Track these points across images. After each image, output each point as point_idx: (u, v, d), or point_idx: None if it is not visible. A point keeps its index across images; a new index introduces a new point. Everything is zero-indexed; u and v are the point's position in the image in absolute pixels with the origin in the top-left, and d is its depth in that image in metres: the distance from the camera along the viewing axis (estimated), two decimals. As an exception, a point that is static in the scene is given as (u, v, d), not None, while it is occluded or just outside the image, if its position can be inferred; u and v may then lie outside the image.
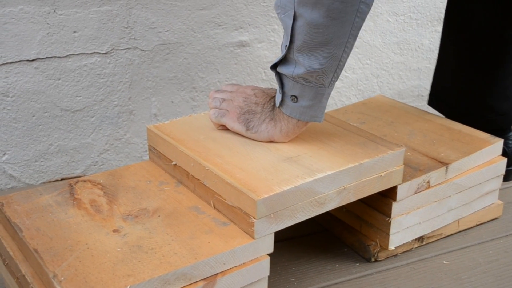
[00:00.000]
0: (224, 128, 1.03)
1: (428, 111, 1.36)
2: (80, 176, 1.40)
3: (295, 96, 0.94)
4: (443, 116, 1.40)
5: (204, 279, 0.80)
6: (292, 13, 0.88)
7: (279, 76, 0.96)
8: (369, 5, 0.88)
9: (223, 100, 1.03)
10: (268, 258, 0.86)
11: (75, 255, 0.80)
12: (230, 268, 0.82)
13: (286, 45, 0.91)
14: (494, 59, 1.31)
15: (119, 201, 0.93)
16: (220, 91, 1.06)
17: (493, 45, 1.30)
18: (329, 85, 0.93)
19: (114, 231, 0.85)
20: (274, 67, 0.96)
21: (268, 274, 0.87)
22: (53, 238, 0.83)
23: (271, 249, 0.86)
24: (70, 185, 0.98)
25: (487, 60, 1.32)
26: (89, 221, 0.88)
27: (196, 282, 0.79)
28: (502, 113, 1.35)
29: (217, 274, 0.81)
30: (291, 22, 0.89)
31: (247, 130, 1.00)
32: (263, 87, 1.07)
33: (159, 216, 0.89)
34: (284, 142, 0.99)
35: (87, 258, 0.79)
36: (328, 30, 0.87)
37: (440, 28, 1.76)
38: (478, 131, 1.20)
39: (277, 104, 0.97)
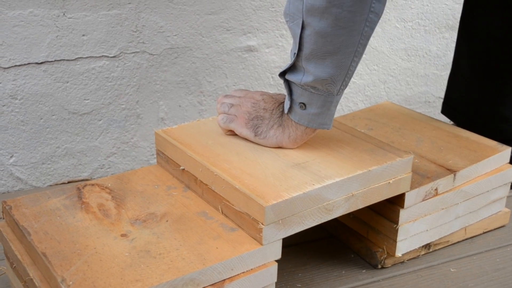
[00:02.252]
0: (232, 133, 1.03)
1: (436, 118, 1.35)
2: (87, 179, 1.41)
3: (304, 104, 0.94)
4: (451, 123, 1.40)
5: (212, 284, 0.80)
6: (301, 22, 0.88)
7: (288, 83, 0.96)
8: (378, 15, 0.87)
9: (232, 105, 1.03)
10: (276, 264, 0.86)
11: (83, 259, 0.80)
12: (238, 274, 0.82)
13: (295, 53, 0.91)
14: (508, 69, 1.31)
15: (127, 205, 0.93)
16: (228, 96, 1.06)
17: (508, 55, 1.30)
18: (337, 93, 0.93)
19: (122, 235, 0.85)
20: (282, 74, 0.96)
21: (275, 280, 0.87)
22: (61, 242, 0.83)
23: (279, 255, 0.86)
24: (78, 188, 0.98)
25: (501, 70, 1.32)
26: (97, 225, 0.88)
27: (204, 287, 0.79)
28: None
29: (225, 280, 0.81)
30: (300, 30, 0.89)
31: (255, 135, 1.00)
32: (271, 92, 1.07)
33: (167, 221, 0.89)
34: (292, 148, 0.99)
35: (95, 262, 0.79)
36: (337, 39, 0.87)
37: (447, 35, 1.76)
38: (486, 138, 1.20)
39: (286, 110, 0.97)
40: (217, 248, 0.83)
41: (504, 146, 1.17)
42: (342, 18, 0.85)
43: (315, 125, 0.96)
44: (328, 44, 0.87)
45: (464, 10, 1.37)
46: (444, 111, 1.47)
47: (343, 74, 0.91)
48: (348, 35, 0.87)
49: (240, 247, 0.83)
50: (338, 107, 1.68)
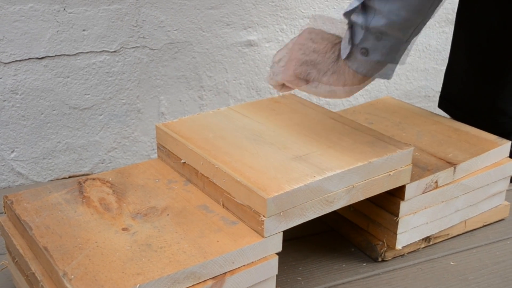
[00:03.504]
0: (286, 89, 0.98)
1: (435, 112, 1.36)
2: (87, 174, 1.41)
3: (366, 49, 0.85)
4: (451, 118, 1.40)
5: (213, 278, 0.80)
6: None
7: (351, 26, 0.85)
8: None
9: (280, 59, 0.95)
10: (277, 257, 0.86)
11: (84, 253, 0.80)
12: (239, 267, 0.82)
13: None
14: (505, 62, 1.31)
15: (128, 199, 0.94)
16: (277, 56, 0.98)
17: (504, 48, 1.30)
18: (407, 40, 0.84)
19: (123, 229, 0.86)
20: (348, 14, 0.85)
21: (276, 273, 0.87)
22: (62, 236, 0.84)
23: (279, 248, 0.86)
24: (79, 183, 0.98)
25: (498, 63, 1.32)
26: (99, 219, 0.88)
27: (205, 281, 0.79)
28: None
29: (226, 273, 0.81)
30: None
31: (306, 83, 0.92)
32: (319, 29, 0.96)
33: (168, 214, 0.89)
34: (345, 98, 0.91)
35: (96, 256, 0.79)
36: None
37: (447, 29, 1.76)
38: (485, 132, 1.20)
39: (344, 56, 0.87)
40: (218, 241, 0.83)
41: (504, 140, 1.17)
42: None
43: (376, 75, 0.87)
44: None
45: (461, 3, 1.37)
46: (441, 105, 1.47)
47: (419, 20, 0.82)
48: None
49: (241, 240, 0.83)
50: (338, 101, 1.68)
